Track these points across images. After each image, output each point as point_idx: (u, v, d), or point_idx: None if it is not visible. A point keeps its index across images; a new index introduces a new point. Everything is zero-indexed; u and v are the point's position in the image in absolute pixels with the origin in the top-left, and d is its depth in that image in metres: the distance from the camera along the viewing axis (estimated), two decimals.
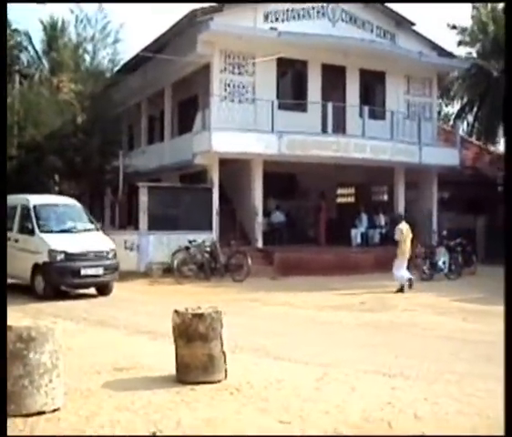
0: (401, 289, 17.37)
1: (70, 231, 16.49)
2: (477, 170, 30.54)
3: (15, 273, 15.48)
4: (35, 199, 16.95)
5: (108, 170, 26.82)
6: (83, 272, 15.50)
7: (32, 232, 15.99)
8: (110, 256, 16.16)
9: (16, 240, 16.22)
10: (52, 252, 15.35)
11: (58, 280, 15.67)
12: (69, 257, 15.44)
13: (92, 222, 17.36)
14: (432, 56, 26.53)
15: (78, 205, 17.98)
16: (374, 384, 7.52)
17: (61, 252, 15.35)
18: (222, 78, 23.21)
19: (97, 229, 17.19)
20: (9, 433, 5.53)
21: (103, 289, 16.31)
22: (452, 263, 21.15)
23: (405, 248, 17.70)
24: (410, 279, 17.86)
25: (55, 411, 6.06)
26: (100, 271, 15.78)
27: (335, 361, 8.66)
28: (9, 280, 14.08)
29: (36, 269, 15.58)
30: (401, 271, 17.60)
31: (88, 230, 16.84)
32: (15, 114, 29.63)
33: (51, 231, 16.06)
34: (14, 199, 16.54)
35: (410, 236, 17.94)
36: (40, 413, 5.94)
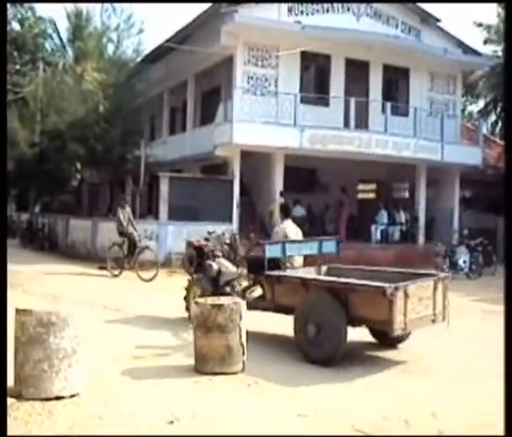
0: None
1: None
2: (500, 170, 30.21)
3: None
4: None
5: (130, 159, 26.89)
6: None
7: None
8: None
9: None
10: None
11: None
12: None
13: None
14: (457, 54, 26.24)
15: None
16: (390, 382, 7.49)
17: None
18: (245, 70, 23.14)
19: None
20: (27, 418, 5.56)
21: None
22: (472, 263, 20.94)
23: None
24: None
25: (73, 396, 6.09)
26: None
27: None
28: None
29: None
30: None
31: None
32: (38, 101, 29.92)
33: None
34: None
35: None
36: (59, 398, 5.97)
